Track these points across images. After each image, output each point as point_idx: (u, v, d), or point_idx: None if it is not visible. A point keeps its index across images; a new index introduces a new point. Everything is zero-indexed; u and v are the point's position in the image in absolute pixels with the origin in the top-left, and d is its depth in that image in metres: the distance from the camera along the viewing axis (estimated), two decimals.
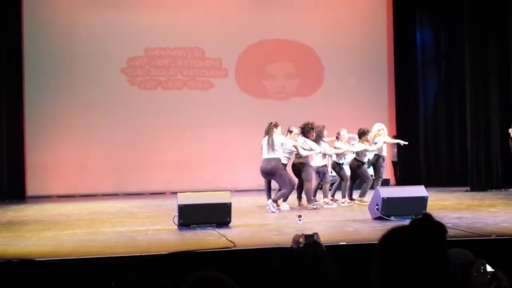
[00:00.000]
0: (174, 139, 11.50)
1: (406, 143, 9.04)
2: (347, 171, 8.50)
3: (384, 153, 8.74)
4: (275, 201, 7.33)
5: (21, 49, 11.07)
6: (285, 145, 7.49)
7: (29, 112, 11.11)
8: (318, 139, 7.86)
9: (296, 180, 7.62)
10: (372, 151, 8.47)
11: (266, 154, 7.43)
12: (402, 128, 11.95)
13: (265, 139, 7.49)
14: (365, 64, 12.09)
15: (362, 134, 8.45)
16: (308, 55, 12.06)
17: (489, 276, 1.77)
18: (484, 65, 10.08)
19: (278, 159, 7.39)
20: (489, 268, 1.80)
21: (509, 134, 9.51)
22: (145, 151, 11.41)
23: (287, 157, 7.68)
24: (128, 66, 11.61)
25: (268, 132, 7.51)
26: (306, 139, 7.68)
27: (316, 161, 7.98)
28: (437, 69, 11.90)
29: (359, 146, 8.35)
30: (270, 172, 7.42)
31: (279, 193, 7.36)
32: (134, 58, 11.63)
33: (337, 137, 8.45)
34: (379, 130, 8.61)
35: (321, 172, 7.98)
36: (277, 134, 7.51)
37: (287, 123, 11.36)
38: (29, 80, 11.15)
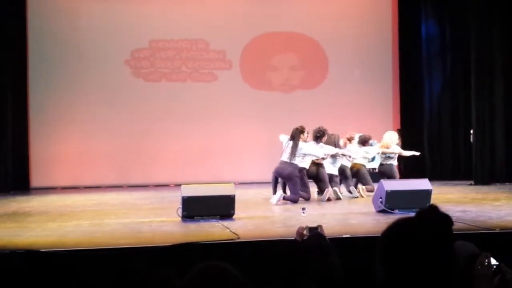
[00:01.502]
0: (178, 131, 11.51)
1: (419, 153, 9.02)
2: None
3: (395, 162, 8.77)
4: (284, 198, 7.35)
5: (25, 41, 11.07)
6: (311, 154, 7.52)
7: (34, 104, 11.14)
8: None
9: (303, 193, 7.56)
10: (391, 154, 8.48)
11: (285, 158, 7.44)
12: (406, 121, 11.93)
13: (290, 143, 7.45)
14: (370, 56, 12.05)
15: (364, 141, 8.43)
16: (312, 47, 12.02)
17: (493, 269, 1.77)
18: (489, 58, 10.03)
19: (296, 166, 7.40)
20: (493, 261, 1.80)
21: None
22: (149, 143, 11.42)
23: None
24: (133, 58, 11.61)
25: (294, 137, 7.47)
26: (322, 144, 7.74)
27: (328, 169, 7.97)
28: (442, 62, 11.85)
29: (375, 151, 8.37)
30: (286, 177, 7.46)
31: (289, 196, 7.37)
32: (138, 50, 11.63)
33: (349, 140, 8.41)
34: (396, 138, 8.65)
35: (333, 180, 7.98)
36: (303, 141, 7.50)
37: (291, 115, 11.42)
38: (34, 72, 11.16)
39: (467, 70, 10.48)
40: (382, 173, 8.49)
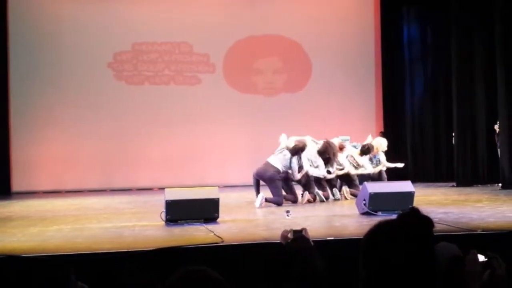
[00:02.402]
0: (161, 135, 11.45)
1: (403, 164, 9.05)
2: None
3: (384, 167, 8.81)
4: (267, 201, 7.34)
5: (6, 43, 10.94)
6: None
7: (15, 107, 11.00)
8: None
9: (290, 196, 7.64)
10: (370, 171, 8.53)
11: (271, 160, 7.54)
12: (389, 123, 12.03)
13: (285, 152, 7.52)
14: (352, 59, 12.13)
15: (367, 151, 8.43)
16: (296, 50, 12.07)
17: (482, 266, 1.79)
18: (470, 61, 10.16)
19: (277, 169, 7.46)
20: (481, 258, 1.82)
21: (495, 130, 9.59)
22: (132, 146, 11.34)
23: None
24: (115, 61, 11.53)
25: (296, 153, 7.57)
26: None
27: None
28: (423, 65, 11.99)
29: (366, 167, 8.38)
30: (267, 180, 7.47)
31: (271, 199, 7.37)
32: (121, 53, 11.55)
33: (340, 149, 8.35)
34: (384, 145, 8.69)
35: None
36: (304, 156, 7.65)
37: (275, 118, 11.45)
38: (15, 75, 11.02)
39: (449, 73, 10.61)
40: (372, 177, 8.57)
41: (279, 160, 7.54)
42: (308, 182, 7.78)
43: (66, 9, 11.30)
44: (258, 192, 7.57)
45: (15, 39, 11.03)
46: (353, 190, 8.10)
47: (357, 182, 8.25)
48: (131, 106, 11.46)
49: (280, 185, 7.43)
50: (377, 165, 8.71)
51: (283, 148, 7.63)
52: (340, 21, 12.09)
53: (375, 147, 8.62)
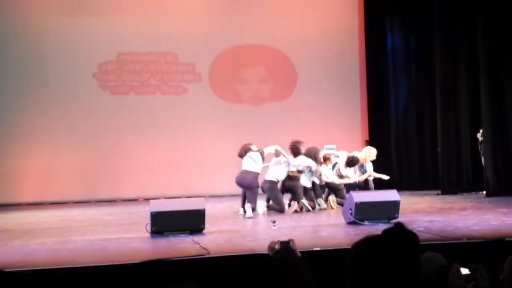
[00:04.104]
0: (147, 145, 11.38)
1: (388, 177, 9.06)
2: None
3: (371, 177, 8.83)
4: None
5: None
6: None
7: None
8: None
9: (276, 206, 7.72)
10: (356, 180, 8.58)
11: (246, 167, 7.73)
12: (374, 132, 12.09)
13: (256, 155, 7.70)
14: (337, 68, 12.20)
15: (351, 163, 8.45)
16: (281, 60, 12.11)
17: (466, 278, 1.79)
18: (453, 69, 10.27)
19: (255, 176, 7.63)
20: (464, 271, 1.82)
21: (477, 139, 9.69)
22: (117, 157, 11.25)
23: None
24: (100, 71, 11.46)
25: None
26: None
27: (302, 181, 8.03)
28: (407, 73, 12.10)
29: (350, 177, 8.42)
30: (246, 186, 7.57)
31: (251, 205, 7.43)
32: (106, 63, 11.49)
33: (325, 160, 8.38)
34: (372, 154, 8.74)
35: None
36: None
37: (262, 127, 11.44)
38: None
39: (432, 81, 10.70)
40: (359, 186, 8.60)
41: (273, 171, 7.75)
42: (297, 193, 7.80)
43: (50, 19, 11.22)
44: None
45: None
46: (339, 199, 8.12)
47: (344, 192, 8.26)
48: (116, 116, 11.38)
49: (257, 192, 7.56)
50: (363, 174, 8.74)
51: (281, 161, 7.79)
52: (324, 31, 12.17)
53: (364, 157, 8.66)
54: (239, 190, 7.93)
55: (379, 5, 12.04)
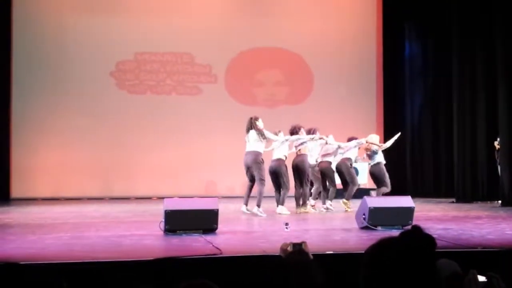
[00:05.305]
0: (161, 144, 11.45)
1: (399, 134, 9.07)
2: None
3: (383, 160, 8.81)
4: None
5: (9, 52, 10.99)
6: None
7: (16, 114, 11.02)
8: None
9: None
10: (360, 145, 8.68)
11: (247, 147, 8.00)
12: (389, 138, 11.95)
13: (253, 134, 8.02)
14: (354, 73, 12.17)
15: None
16: (298, 63, 12.11)
17: (482, 286, 1.78)
18: (470, 77, 10.19)
19: (257, 153, 7.87)
20: (481, 278, 1.81)
21: (494, 147, 9.59)
22: (132, 155, 11.34)
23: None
24: (117, 70, 11.56)
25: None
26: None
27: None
28: (424, 80, 12.03)
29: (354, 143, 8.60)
30: (251, 164, 7.80)
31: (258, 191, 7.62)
32: (123, 62, 11.59)
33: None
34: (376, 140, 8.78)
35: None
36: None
37: (276, 129, 11.41)
38: (17, 82, 11.06)
39: (449, 89, 10.63)
40: (372, 174, 8.64)
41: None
42: (330, 176, 8.21)
43: (70, 18, 11.36)
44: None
45: (18, 47, 11.08)
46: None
47: (333, 178, 8.52)
48: (133, 115, 11.47)
49: (262, 168, 7.72)
50: (374, 159, 8.74)
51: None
52: (342, 35, 12.15)
53: (369, 143, 8.71)
54: (253, 192, 7.95)
55: (397, 11, 12.00)
